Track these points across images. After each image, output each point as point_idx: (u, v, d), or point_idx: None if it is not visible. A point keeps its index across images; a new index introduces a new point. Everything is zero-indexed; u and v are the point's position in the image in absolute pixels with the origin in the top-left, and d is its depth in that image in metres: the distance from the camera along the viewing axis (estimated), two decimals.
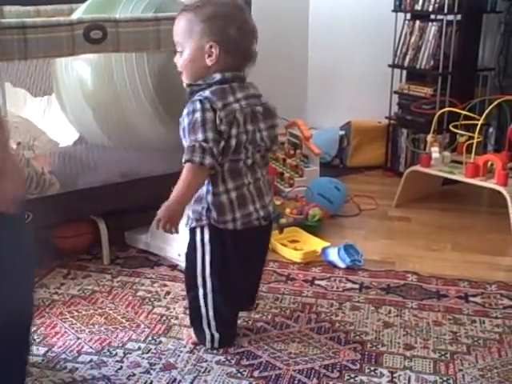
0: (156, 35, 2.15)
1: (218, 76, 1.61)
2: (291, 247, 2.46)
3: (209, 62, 1.60)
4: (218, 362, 1.74)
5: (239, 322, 1.90)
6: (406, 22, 3.37)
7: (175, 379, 1.66)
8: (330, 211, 2.75)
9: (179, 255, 2.29)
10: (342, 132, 3.63)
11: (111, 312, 2.01)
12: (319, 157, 3.17)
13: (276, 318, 1.97)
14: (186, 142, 1.59)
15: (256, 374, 1.68)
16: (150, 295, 2.12)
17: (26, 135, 2.23)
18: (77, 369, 1.70)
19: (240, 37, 1.61)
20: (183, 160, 1.57)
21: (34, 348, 1.79)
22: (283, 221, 2.60)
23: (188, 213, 1.68)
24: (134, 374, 1.68)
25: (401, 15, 3.36)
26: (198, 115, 1.56)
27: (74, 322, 1.95)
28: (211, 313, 1.74)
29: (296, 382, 1.65)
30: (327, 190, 2.83)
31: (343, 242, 2.39)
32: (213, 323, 1.75)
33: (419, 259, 2.43)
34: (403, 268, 2.34)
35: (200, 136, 1.55)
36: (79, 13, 2.41)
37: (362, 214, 2.92)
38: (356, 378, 1.67)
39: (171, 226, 1.59)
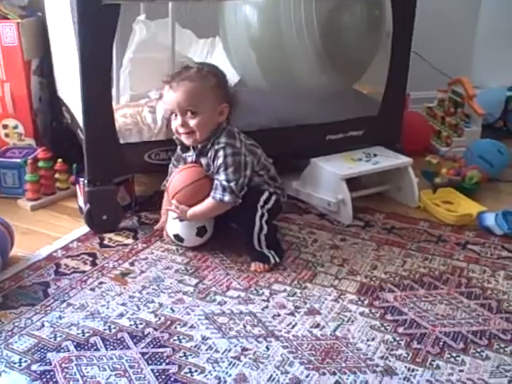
0: None
1: (224, 124, 1.95)
2: (444, 208, 2.37)
3: (221, 119, 1.93)
4: (361, 314, 1.73)
5: (385, 276, 1.90)
6: None
7: (319, 324, 1.69)
8: (489, 175, 2.60)
9: (329, 205, 2.30)
10: (510, 93, 3.37)
11: None
12: (482, 117, 2.99)
13: (424, 277, 1.93)
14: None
15: (400, 330, 1.66)
16: (297, 241, 2.15)
17: None
18: (225, 302, 1.78)
19: (231, 90, 1.99)
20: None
21: (186, 278, 1.90)
22: (438, 180, 2.50)
23: None
24: (279, 315, 1.73)
25: None
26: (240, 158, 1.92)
27: (225, 258, 2.03)
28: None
29: (441, 343, 1.61)
30: (489, 152, 2.67)
31: (501, 207, 2.26)
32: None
33: None
34: None
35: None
36: None
37: None
38: (506, 349, 1.59)
39: (181, 219, 2.01)
